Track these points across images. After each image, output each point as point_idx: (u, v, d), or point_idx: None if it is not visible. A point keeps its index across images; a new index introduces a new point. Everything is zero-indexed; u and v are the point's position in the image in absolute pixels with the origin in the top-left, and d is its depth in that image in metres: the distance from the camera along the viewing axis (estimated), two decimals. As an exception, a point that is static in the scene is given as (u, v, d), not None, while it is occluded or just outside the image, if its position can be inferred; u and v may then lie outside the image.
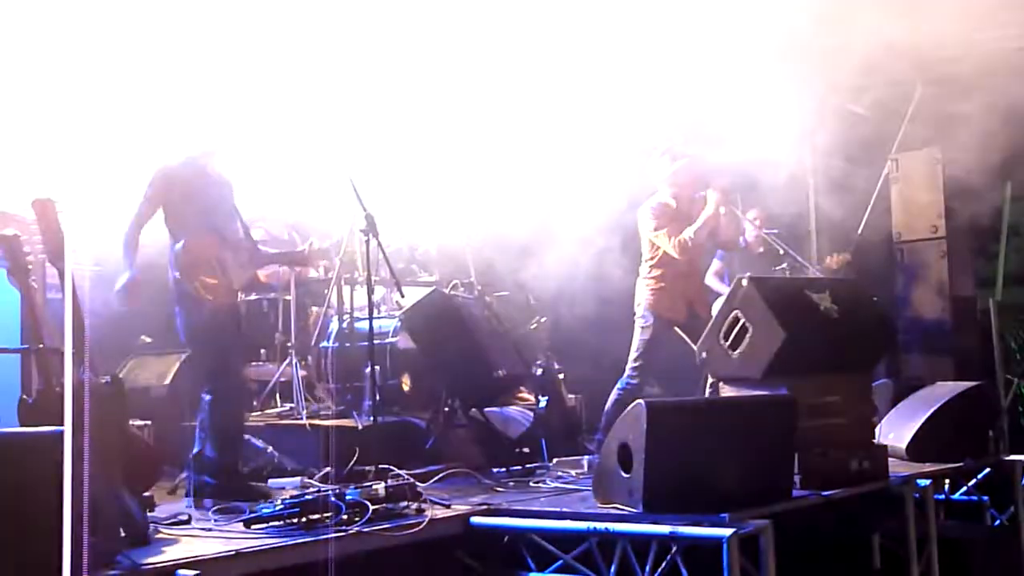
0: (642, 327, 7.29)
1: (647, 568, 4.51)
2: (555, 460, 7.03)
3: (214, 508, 5.24)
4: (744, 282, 5.68)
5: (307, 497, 4.75)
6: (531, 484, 6.14)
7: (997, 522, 6.75)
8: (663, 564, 4.47)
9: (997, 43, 9.85)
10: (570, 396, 7.98)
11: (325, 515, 4.65)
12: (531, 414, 7.50)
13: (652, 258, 7.34)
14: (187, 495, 5.60)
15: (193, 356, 5.80)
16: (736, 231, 7.79)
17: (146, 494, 4.77)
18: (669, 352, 7.39)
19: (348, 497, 4.75)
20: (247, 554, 4.21)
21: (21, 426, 4.39)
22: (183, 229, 5.66)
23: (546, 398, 7.60)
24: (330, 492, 4.80)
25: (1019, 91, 9.35)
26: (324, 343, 7.60)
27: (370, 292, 6.26)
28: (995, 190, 11.16)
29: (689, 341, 7.19)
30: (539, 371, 7.76)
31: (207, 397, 5.66)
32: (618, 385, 7.25)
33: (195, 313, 5.62)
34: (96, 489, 3.78)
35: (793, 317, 5.52)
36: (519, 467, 6.59)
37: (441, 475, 6.32)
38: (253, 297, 7.84)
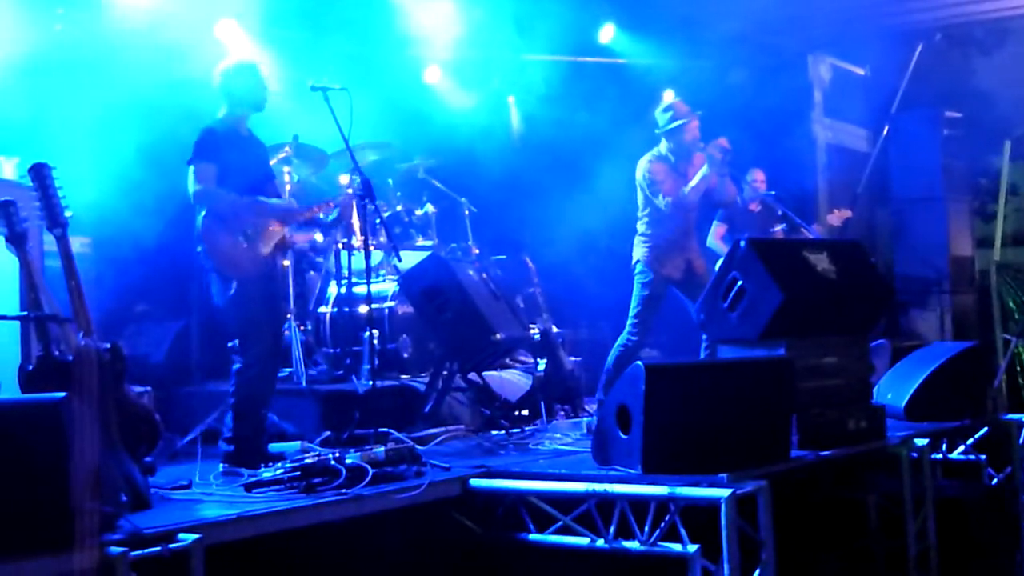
0: (641, 283, 7.26)
1: (646, 529, 4.54)
2: (553, 422, 7.07)
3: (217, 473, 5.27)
4: (742, 243, 5.67)
5: (307, 461, 4.77)
6: (530, 446, 6.16)
7: (995, 481, 6.78)
8: (662, 524, 4.49)
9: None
10: (568, 359, 7.99)
11: (325, 479, 4.67)
12: (530, 377, 7.51)
13: (647, 213, 7.30)
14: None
15: (226, 325, 5.77)
16: (733, 190, 7.76)
17: (147, 459, 4.78)
18: (667, 310, 7.39)
19: (348, 461, 4.76)
20: (248, 518, 4.23)
21: (22, 393, 4.40)
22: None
23: (544, 361, 7.62)
24: (330, 456, 4.81)
25: (1018, 54, 9.34)
26: (322, 308, 7.61)
27: (367, 256, 6.25)
28: (994, 150, 11.15)
29: (687, 299, 7.19)
30: (537, 334, 7.77)
31: (235, 366, 5.66)
32: (618, 342, 7.25)
33: (222, 287, 5.61)
34: (97, 455, 3.80)
35: (791, 278, 5.52)
36: (518, 430, 6.61)
37: (440, 438, 6.35)
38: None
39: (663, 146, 7.39)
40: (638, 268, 7.29)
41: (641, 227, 7.35)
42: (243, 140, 5.82)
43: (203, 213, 5.59)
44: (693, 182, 7.22)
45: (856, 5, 9.04)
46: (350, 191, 6.21)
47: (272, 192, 5.91)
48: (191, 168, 5.60)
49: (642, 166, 7.33)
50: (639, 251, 7.32)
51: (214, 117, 5.81)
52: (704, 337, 7.07)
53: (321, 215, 6.46)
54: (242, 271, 5.59)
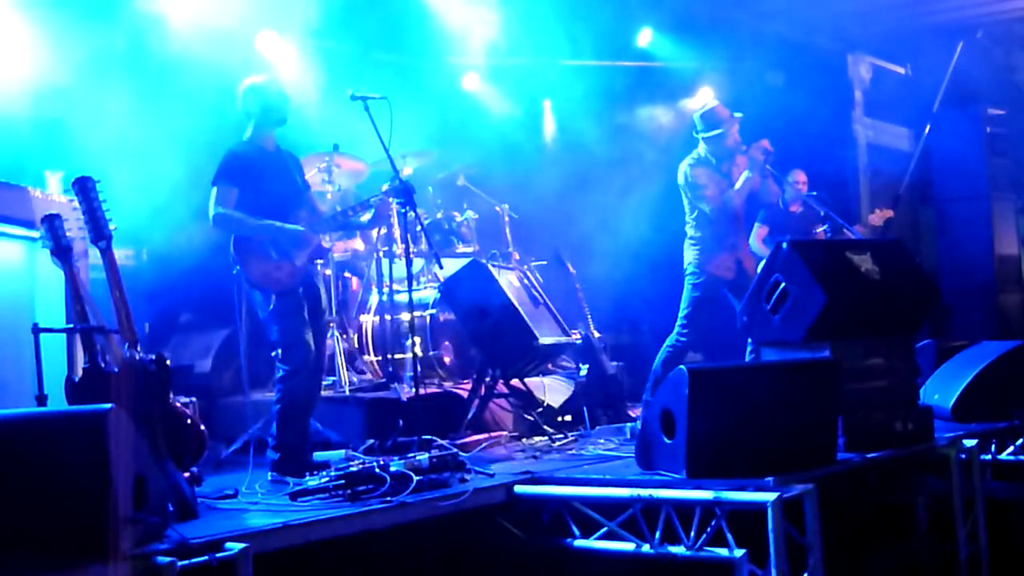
0: (692, 284, 7.26)
1: (692, 534, 4.51)
2: (597, 428, 7.05)
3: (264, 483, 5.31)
4: (784, 245, 5.63)
5: (352, 469, 4.79)
6: (573, 452, 6.14)
7: (1044, 482, 6.68)
8: (708, 529, 4.46)
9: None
10: (611, 363, 7.97)
11: (370, 487, 4.69)
12: (572, 382, 7.50)
13: (694, 216, 7.30)
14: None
15: (269, 336, 5.85)
16: (776, 191, 7.72)
17: (193, 469, 4.82)
18: (716, 313, 7.35)
19: (392, 468, 4.77)
20: (294, 526, 4.25)
21: (68, 405, 4.46)
22: (250, 213, 5.69)
23: (587, 366, 7.60)
24: (374, 464, 4.83)
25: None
26: (364, 316, 7.64)
27: (408, 264, 6.27)
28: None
29: (737, 301, 7.14)
30: (579, 339, 7.75)
31: (278, 374, 5.70)
32: (667, 342, 7.23)
33: (263, 301, 5.68)
34: (144, 465, 3.84)
35: (834, 280, 5.47)
36: (561, 435, 6.60)
37: (483, 445, 6.35)
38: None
39: (702, 148, 7.36)
40: (689, 270, 7.29)
41: (690, 230, 7.34)
42: (269, 158, 5.87)
43: (232, 234, 5.67)
44: (737, 186, 7.21)
45: (895, 4, 8.96)
46: (384, 189, 6.23)
47: (303, 207, 5.93)
48: (212, 190, 5.69)
49: (683, 170, 7.31)
50: (690, 254, 7.31)
51: (240, 137, 5.87)
52: (750, 340, 7.03)
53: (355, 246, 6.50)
54: (279, 284, 5.66)
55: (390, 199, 6.04)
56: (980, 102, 10.79)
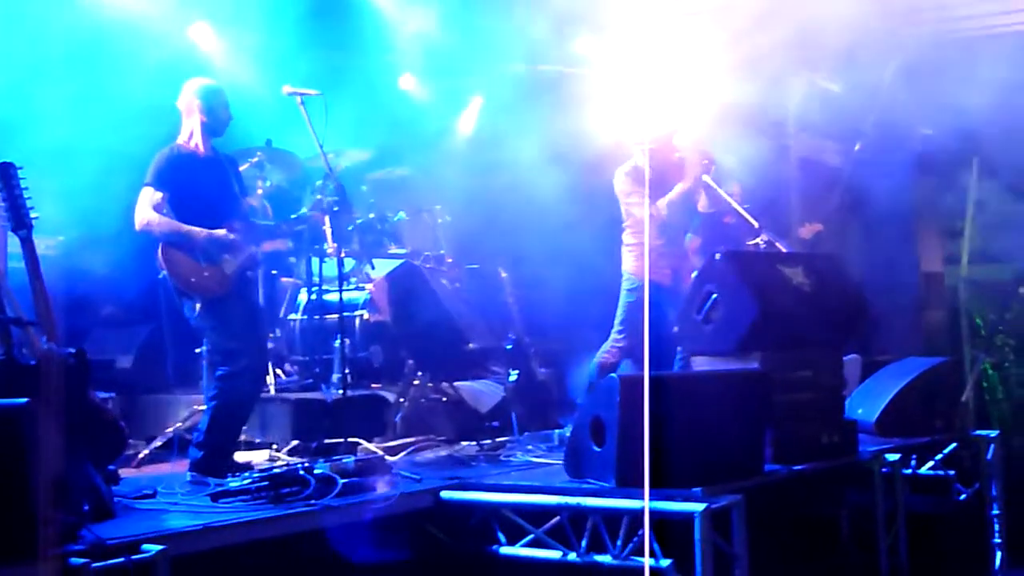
0: (627, 290, 7.21)
1: (619, 543, 4.50)
2: (525, 434, 7.02)
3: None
4: (718, 256, 5.65)
5: (275, 471, 4.70)
6: (501, 458, 6.11)
7: (963, 496, 6.80)
8: (635, 538, 4.45)
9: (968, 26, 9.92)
10: (541, 370, 7.94)
11: (294, 489, 4.60)
12: (502, 388, 7.46)
13: (630, 223, 7.27)
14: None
15: (207, 345, 5.73)
16: (717, 200, 7.69)
17: (111, 468, 4.69)
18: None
19: (317, 471, 4.69)
20: (214, 528, 4.16)
21: (-17, 398, 4.31)
22: (181, 219, 5.58)
23: (516, 372, 7.57)
24: (299, 466, 4.74)
25: (986, 71, 9.42)
26: (293, 315, 7.53)
27: (340, 263, 6.19)
28: (963, 167, 11.23)
29: (670, 309, 7.12)
30: (510, 344, 7.72)
31: (218, 372, 5.60)
32: (602, 349, 7.16)
33: (191, 307, 5.58)
34: (60, 463, 3.72)
35: (766, 291, 5.50)
36: (489, 441, 6.56)
37: (411, 449, 6.29)
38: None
39: (638, 156, 7.33)
40: (625, 276, 7.25)
41: (626, 237, 7.30)
42: (204, 162, 5.74)
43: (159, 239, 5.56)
44: (671, 196, 7.16)
45: (830, 21, 9.07)
46: (318, 198, 6.17)
47: (238, 215, 5.83)
48: (141, 191, 5.56)
49: (619, 178, 7.28)
50: (626, 261, 7.28)
51: (175, 137, 5.75)
52: (679, 349, 7.03)
53: (284, 245, 6.46)
54: (208, 291, 5.55)
55: (323, 210, 6.00)
56: (909, 122, 10.97)
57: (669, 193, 7.19)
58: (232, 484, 4.72)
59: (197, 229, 5.58)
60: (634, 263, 7.24)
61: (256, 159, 7.37)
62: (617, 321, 7.23)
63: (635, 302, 7.19)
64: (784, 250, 8.51)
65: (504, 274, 8.59)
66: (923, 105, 10.45)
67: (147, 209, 5.53)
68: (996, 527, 6.88)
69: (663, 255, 7.27)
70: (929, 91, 9.97)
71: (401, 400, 6.85)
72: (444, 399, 6.98)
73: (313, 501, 4.55)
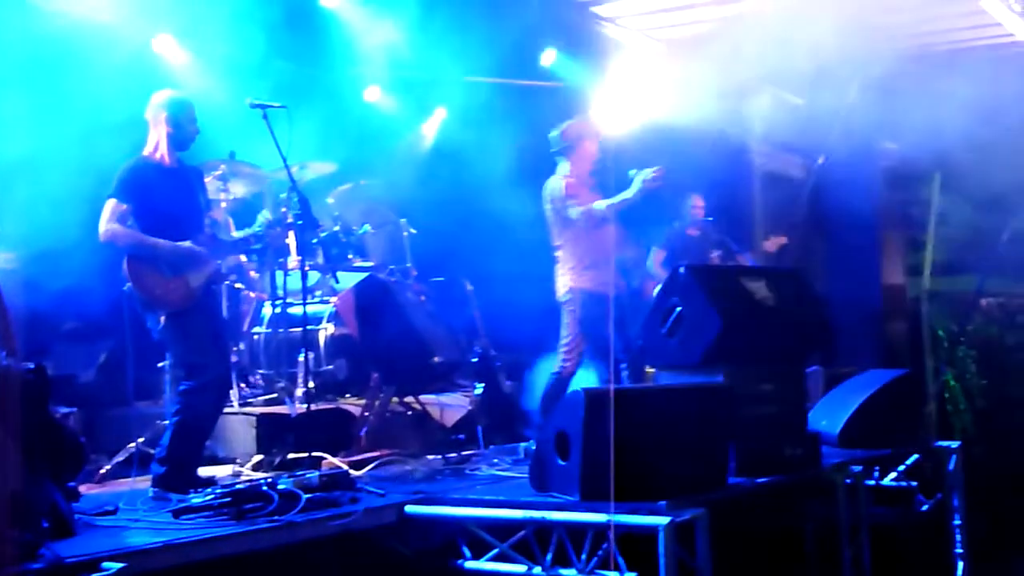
0: (568, 311, 7.15)
1: (583, 556, 4.50)
2: (491, 447, 7.01)
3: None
4: (681, 270, 5.68)
5: (238, 486, 4.67)
6: (467, 472, 6.10)
7: (925, 507, 6.86)
8: (599, 552, 4.46)
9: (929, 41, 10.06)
10: (507, 383, 7.94)
11: (257, 505, 4.57)
12: (468, 401, 7.45)
13: (565, 238, 7.18)
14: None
15: (171, 358, 5.71)
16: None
17: (71, 484, 4.64)
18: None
19: (280, 487, 4.67)
20: (176, 545, 4.12)
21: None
22: (146, 231, 5.55)
23: (482, 385, 7.55)
24: (262, 481, 4.71)
25: (948, 86, 9.55)
26: (257, 329, 7.49)
27: (303, 277, 6.17)
28: (925, 180, 11.36)
29: (606, 319, 7.09)
30: (476, 358, 7.71)
31: (181, 387, 5.57)
32: (552, 370, 7.15)
33: (155, 320, 5.55)
34: (18, 480, 3.68)
35: (730, 305, 5.53)
36: (455, 454, 6.54)
37: (376, 463, 6.27)
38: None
39: (565, 167, 7.26)
40: (563, 294, 7.15)
41: (559, 254, 7.15)
42: (169, 175, 5.71)
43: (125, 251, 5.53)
44: (613, 200, 7.03)
45: (793, 37, 9.16)
46: (282, 211, 6.14)
47: (202, 229, 5.80)
48: (106, 203, 5.53)
49: (548, 188, 7.19)
50: (562, 280, 7.14)
51: (140, 150, 5.72)
52: (624, 364, 7.02)
53: (244, 259, 6.44)
54: (170, 305, 5.52)
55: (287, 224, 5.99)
56: (871, 136, 11.09)
57: (611, 198, 7.07)
58: (194, 500, 4.69)
59: (162, 242, 5.55)
60: (572, 276, 7.08)
61: (220, 171, 7.33)
62: (561, 342, 7.08)
63: (581, 317, 7.06)
64: (746, 263, 8.60)
65: (470, 287, 8.59)
66: (886, 120, 10.59)
67: (111, 221, 5.49)
68: (958, 537, 6.95)
69: (597, 265, 7.14)
70: (892, 106, 10.09)
71: (366, 414, 6.82)
72: (409, 413, 6.96)
73: (276, 517, 4.52)
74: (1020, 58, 9.74)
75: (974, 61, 10.01)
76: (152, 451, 5.69)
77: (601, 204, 7.02)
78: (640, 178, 6.94)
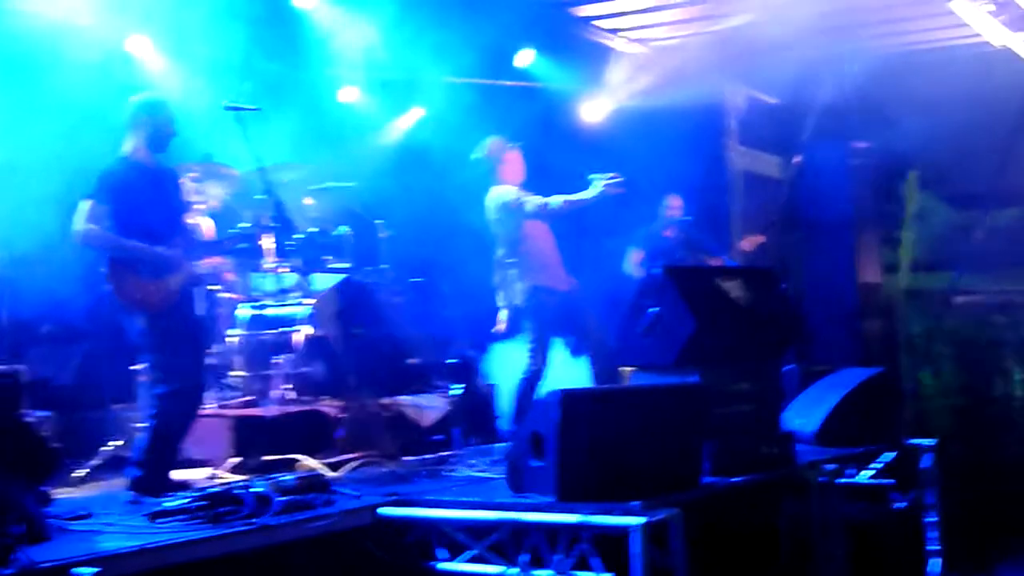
0: (530, 313, 7.06)
1: (559, 557, 4.51)
2: (468, 448, 7.01)
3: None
4: (657, 271, 5.71)
5: (213, 490, 4.66)
6: (443, 473, 6.10)
7: (900, 505, 6.90)
8: (575, 553, 4.47)
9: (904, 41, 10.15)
10: (484, 384, 7.94)
11: (232, 508, 4.56)
12: (445, 402, 7.45)
13: (509, 243, 7.13)
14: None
15: (147, 360, 5.70)
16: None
17: (43, 489, 4.62)
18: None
19: (255, 489, 4.66)
20: (150, 550, 4.11)
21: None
22: (122, 234, 5.52)
23: (460, 386, 7.55)
24: (237, 484, 4.71)
25: (925, 85, 9.63)
26: (233, 331, 7.46)
27: (279, 279, 6.16)
28: (901, 178, 11.44)
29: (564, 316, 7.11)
30: (453, 358, 7.71)
31: (157, 390, 5.54)
32: (520, 374, 7.13)
33: (134, 323, 5.53)
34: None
35: (705, 306, 5.56)
36: (432, 455, 6.54)
37: (353, 465, 6.26)
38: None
39: (496, 179, 7.31)
40: (521, 298, 7.17)
41: (507, 260, 7.15)
42: (147, 176, 5.69)
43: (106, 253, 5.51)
44: (570, 196, 6.99)
45: (767, 35, 9.22)
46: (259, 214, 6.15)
47: (181, 231, 5.80)
48: (83, 204, 5.51)
49: (493, 197, 7.17)
50: (519, 285, 7.10)
51: (117, 151, 5.70)
52: (591, 361, 7.05)
53: (221, 260, 6.45)
54: (150, 307, 5.50)
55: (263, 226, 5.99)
56: (847, 134, 11.16)
57: (568, 195, 7.03)
58: (169, 504, 4.67)
59: (140, 244, 5.53)
60: (522, 281, 7.05)
61: (194, 174, 7.30)
62: (526, 342, 7.06)
63: (535, 319, 7.03)
64: (724, 263, 8.64)
65: (447, 288, 8.59)
66: (861, 119, 10.67)
67: (88, 222, 5.47)
68: (933, 534, 7.00)
69: (548, 262, 7.16)
70: (867, 106, 10.18)
71: (343, 416, 6.81)
72: (386, 414, 6.95)
73: (251, 520, 4.51)
74: (989, 58, 9.82)
75: (945, 62, 10.10)
76: (128, 455, 5.67)
77: (557, 199, 7.02)
78: (599, 182, 6.96)
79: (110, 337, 7.31)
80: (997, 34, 9.23)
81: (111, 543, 4.20)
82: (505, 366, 7.24)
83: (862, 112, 10.38)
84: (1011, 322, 10.76)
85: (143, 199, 5.60)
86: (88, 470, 6.27)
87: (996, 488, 9.28)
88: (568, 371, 7.17)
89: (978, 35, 9.40)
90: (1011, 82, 9.96)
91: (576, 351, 7.18)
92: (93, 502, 5.08)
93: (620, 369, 6.84)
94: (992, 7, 8.79)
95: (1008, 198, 10.96)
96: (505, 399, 7.36)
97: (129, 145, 5.70)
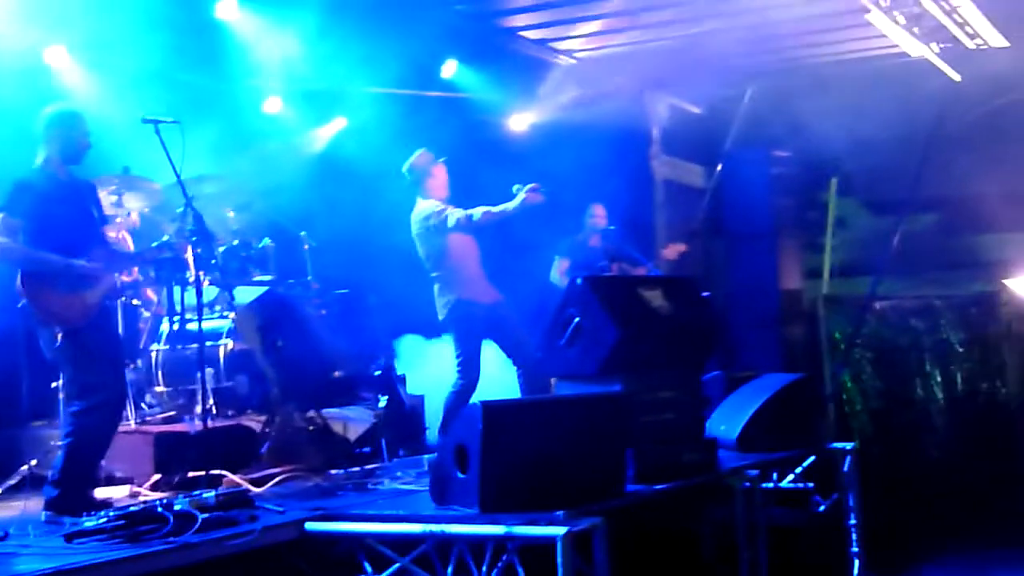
0: (457, 326, 7.13)
1: (483, 569, 4.52)
2: (394, 460, 7.00)
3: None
4: (579, 281, 5.75)
5: (132, 508, 4.59)
6: (369, 486, 6.08)
7: (822, 508, 7.03)
8: (499, 564, 4.48)
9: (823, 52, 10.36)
10: (409, 396, 7.93)
11: (152, 527, 4.50)
12: (370, 414, 7.42)
13: (437, 257, 7.18)
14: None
15: (64, 376, 5.59)
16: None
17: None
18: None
19: (176, 507, 4.61)
20: (67, 571, 4.04)
21: None
22: (37, 246, 5.42)
23: (386, 398, 7.54)
24: (157, 502, 4.65)
25: (844, 95, 9.85)
26: (154, 345, 7.36)
27: (199, 293, 6.10)
28: (822, 186, 11.67)
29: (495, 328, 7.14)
30: (378, 371, 7.69)
31: (72, 408, 5.44)
32: (450, 388, 7.15)
33: (51, 337, 5.41)
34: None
35: (626, 315, 5.62)
36: (358, 468, 6.51)
37: (277, 479, 6.21)
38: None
39: (424, 195, 7.32)
40: (446, 312, 7.19)
41: (434, 273, 7.21)
42: (62, 188, 5.61)
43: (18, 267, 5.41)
44: (492, 208, 7.06)
45: (689, 46, 9.35)
46: (179, 226, 6.08)
47: (98, 242, 5.71)
48: None
49: (418, 212, 7.22)
50: (442, 298, 7.16)
51: (31, 163, 5.61)
52: (519, 372, 7.09)
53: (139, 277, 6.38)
54: (67, 322, 5.40)
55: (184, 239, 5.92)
56: (767, 144, 11.35)
57: (490, 207, 7.09)
58: (87, 523, 4.59)
59: (55, 257, 5.44)
60: (447, 295, 7.12)
61: (113, 187, 7.20)
62: (455, 356, 7.11)
63: (464, 332, 7.08)
64: (647, 271, 8.73)
65: (372, 299, 8.56)
66: (783, 127, 10.86)
67: (1, 235, 5.37)
68: (854, 536, 7.14)
69: (474, 277, 7.21)
70: (789, 114, 10.36)
71: (268, 430, 6.75)
72: (312, 428, 6.91)
73: (172, 539, 4.46)
74: (907, 68, 10.06)
75: (865, 72, 10.33)
76: (45, 473, 5.56)
77: (479, 211, 7.06)
78: (523, 192, 7.03)
79: (28, 352, 7.18)
80: (913, 45, 9.46)
81: (26, 565, 4.14)
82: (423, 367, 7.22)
83: (783, 121, 10.55)
84: (930, 326, 11.01)
85: (58, 211, 5.51)
86: (3, 489, 6.13)
87: (916, 491, 9.49)
88: (505, 379, 7.22)
89: (896, 46, 9.62)
90: (928, 91, 10.22)
91: (513, 358, 7.23)
92: (9, 523, 4.97)
93: (550, 380, 6.89)
94: (905, 20, 9.00)
95: (926, 204, 11.23)
96: (433, 410, 7.37)
97: (42, 157, 5.61)
